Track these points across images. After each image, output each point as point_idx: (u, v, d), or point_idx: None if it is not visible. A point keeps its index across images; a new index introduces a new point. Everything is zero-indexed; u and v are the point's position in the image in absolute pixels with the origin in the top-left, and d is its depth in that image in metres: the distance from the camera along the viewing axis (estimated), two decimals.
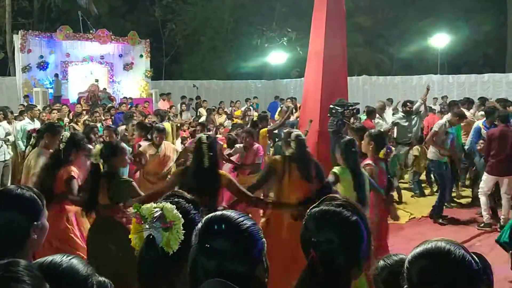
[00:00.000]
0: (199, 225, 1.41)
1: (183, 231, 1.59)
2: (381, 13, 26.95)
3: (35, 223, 1.87)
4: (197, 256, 1.33)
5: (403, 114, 9.23)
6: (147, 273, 1.57)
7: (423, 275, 1.47)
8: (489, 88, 19.17)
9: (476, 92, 17.99)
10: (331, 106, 8.05)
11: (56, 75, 17.83)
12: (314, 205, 1.65)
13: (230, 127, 10.66)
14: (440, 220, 7.71)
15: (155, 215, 1.63)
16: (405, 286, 1.51)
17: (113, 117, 11.76)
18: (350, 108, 8.01)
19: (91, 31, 19.53)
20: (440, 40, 23.75)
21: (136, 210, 1.67)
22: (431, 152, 8.06)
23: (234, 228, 1.35)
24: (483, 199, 7.41)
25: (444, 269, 1.44)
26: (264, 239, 1.39)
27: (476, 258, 1.48)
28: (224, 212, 1.42)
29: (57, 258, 1.52)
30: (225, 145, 8.56)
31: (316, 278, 1.49)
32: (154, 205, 1.67)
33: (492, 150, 7.23)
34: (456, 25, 25.15)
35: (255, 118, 8.41)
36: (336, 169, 4.70)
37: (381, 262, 2.13)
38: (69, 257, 1.54)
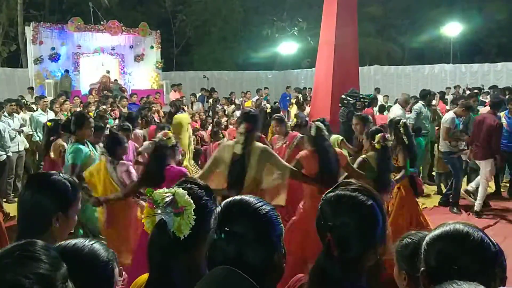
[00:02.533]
0: (218, 208, 1.42)
1: (195, 217, 1.61)
2: (392, 2, 26.68)
3: (60, 212, 1.90)
4: (216, 240, 1.35)
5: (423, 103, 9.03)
6: (157, 257, 1.59)
7: (441, 257, 1.48)
8: (503, 77, 18.96)
9: (489, 82, 17.80)
10: (343, 96, 8.02)
11: (67, 71, 17.87)
12: (330, 189, 1.66)
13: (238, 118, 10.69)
14: (455, 210, 7.69)
15: (167, 200, 1.64)
16: (422, 268, 1.52)
17: (125, 107, 11.82)
18: (362, 99, 7.97)
19: (102, 23, 19.58)
20: (453, 29, 23.49)
21: (148, 194, 1.69)
22: (442, 145, 7.98)
23: (253, 212, 1.36)
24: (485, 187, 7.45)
25: (463, 251, 1.45)
26: (282, 225, 1.40)
27: (494, 241, 1.49)
28: (243, 197, 1.43)
29: (80, 242, 1.56)
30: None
31: (332, 262, 1.51)
32: (166, 190, 1.69)
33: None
34: (469, 14, 24.85)
35: (268, 110, 8.37)
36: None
37: (406, 240, 2.13)
38: (91, 242, 1.58)
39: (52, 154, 6.48)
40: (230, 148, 4.22)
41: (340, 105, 8.07)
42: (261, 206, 1.38)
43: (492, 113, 7.40)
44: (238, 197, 1.43)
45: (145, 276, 1.83)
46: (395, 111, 8.70)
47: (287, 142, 6.40)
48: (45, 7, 25.66)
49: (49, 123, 6.80)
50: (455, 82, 18.58)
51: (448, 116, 7.92)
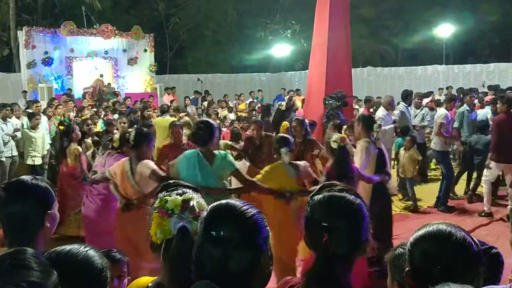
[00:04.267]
0: (204, 213, 1.43)
1: None
2: (385, 4, 26.79)
3: (49, 212, 1.92)
4: (203, 244, 1.35)
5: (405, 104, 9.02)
6: (184, 265, 1.53)
7: (424, 257, 1.50)
8: (495, 77, 19.08)
9: (481, 82, 17.91)
10: (325, 97, 8.18)
11: (69, 90, 17.67)
12: (314, 192, 1.70)
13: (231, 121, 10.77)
14: (442, 208, 7.73)
15: (183, 207, 1.65)
16: (407, 269, 1.54)
17: (116, 112, 11.80)
18: (341, 100, 8.09)
19: (95, 26, 19.55)
20: (445, 30, 23.65)
21: (160, 204, 1.69)
22: (436, 143, 8.02)
23: (238, 216, 1.37)
24: (486, 188, 7.41)
25: (445, 251, 1.48)
26: (268, 228, 1.41)
27: (476, 240, 1.51)
28: (229, 200, 1.45)
29: (75, 248, 1.55)
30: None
31: (331, 261, 1.57)
32: (179, 197, 1.70)
33: (498, 138, 7.13)
34: (461, 15, 24.99)
35: (283, 108, 8.51)
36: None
37: (399, 249, 2.16)
38: (86, 248, 1.58)
39: (68, 160, 6.51)
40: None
41: (324, 106, 8.24)
42: (247, 209, 1.39)
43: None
44: (224, 201, 1.44)
45: (145, 280, 1.84)
46: (378, 113, 8.65)
47: None
48: (38, 11, 25.58)
49: (61, 127, 6.80)
50: (447, 83, 18.71)
51: (441, 112, 7.96)
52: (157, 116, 9.84)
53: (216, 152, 4.40)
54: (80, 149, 6.45)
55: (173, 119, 9.21)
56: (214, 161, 4.31)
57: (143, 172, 4.37)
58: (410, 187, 8.03)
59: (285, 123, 7.56)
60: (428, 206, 8.07)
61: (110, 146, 5.58)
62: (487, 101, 9.27)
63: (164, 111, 9.92)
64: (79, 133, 6.79)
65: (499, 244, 4.95)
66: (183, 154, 4.49)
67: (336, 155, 4.53)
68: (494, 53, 26.47)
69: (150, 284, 1.78)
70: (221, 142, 6.24)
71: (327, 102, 8.11)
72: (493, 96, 10.15)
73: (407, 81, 20.68)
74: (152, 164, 4.45)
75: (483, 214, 7.32)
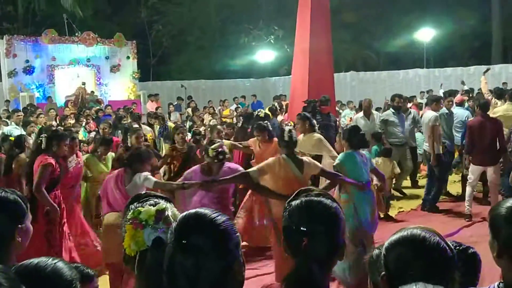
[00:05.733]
0: (174, 223, 1.42)
1: None
2: (366, 9, 27.04)
3: (20, 226, 1.87)
4: (174, 254, 1.34)
5: (393, 111, 8.83)
6: (161, 277, 1.50)
7: (398, 262, 1.52)
8: (475, 80, 19.33)
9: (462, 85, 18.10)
10: (303, 101, 8.32)
11: (49, 97, 17.51)
12: (291, 197, 1.73)
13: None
14: (427, 208, 7.79)
15: (157, 217, 1.64)
16: (383, 273, 1.56)
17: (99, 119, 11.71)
18: (311, 105, 8.21)
19: (76, 34, 19.41)
20: (426, 35, 23.95)
21: (134, 215, 1.67)
22: (430, 146, 7.81)
23: (208, 224, 1.36)
24: (468, 190, 7.49)
25: (419, 256, 1.49)
26: (239, 234, 1.41)
27: (451, 245, 1.53)
28: (198, 209, 1.44)
29: (42, 261, 1.53)
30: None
31: (311, 266, 1.58)
32: (153, 208, 1.68)
33: (474, 141, 7.25)
34: (441, 19, 25.34)
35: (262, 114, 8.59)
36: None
37: (376, 251, 2.18)
38: (55, 261, 1.55)
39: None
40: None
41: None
42: (216, 216, 1.39)
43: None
44: (193, 210, 1.43)
45: None
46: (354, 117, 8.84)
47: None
48: (18, 19, 25.32)
49: (11, 138, 6.56)
50: (429, 86, 18.89)
51: (430, 114, 7.87)
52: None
53: None
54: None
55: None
56: None
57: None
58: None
59: None
60: (412, 209, 8.14)
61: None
62: (456, 102, 9.28)
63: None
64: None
65: (485, 246, 5.01)
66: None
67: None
68: (475, 56, 26.87)
69: None
70: (225, 142, 6.28)
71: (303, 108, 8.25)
72: (465, 98, 10.27)
73: (390, 85, 20.86)
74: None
75: (467, 218, 7.38)
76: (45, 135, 5.22)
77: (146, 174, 4.67)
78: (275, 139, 6.14)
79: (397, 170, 7.88)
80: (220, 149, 4.97)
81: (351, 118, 10.76)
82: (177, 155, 6.48)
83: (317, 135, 6.70)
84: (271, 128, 6.72)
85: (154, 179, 4.72)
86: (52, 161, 5.03)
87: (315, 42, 9.02)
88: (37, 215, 4.71)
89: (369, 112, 8.89)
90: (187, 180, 4.89)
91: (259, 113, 8.51)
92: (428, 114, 7.98)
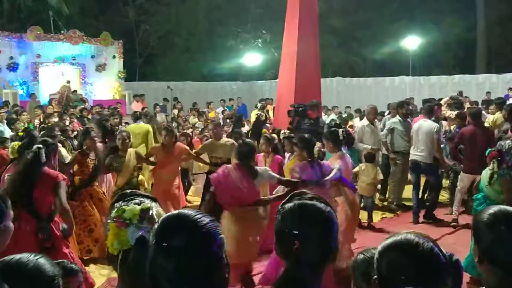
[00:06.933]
0: (156, 225, 1.39)
1: None
2: (354, 15, 27.27)
3: None
4: (155, 256, 1.31)
5: (400, 119, 8.44)
6: (144, 276, 1.48)
7: (391, 267, 1.50)
8: (459, 89, 19.56)
9: (446, 93, 18.28)
10: (290, 105, 8.34)
11: (33, 94, 17.11)
12: (285, 200, 1.72)
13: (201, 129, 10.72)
14: (421, 217, 7.76)
15: (141, 216, 1.62)
16: (375, 277, 1.54)
17: (84, 119, 11.58)
18: (298, 109, 8.24)
19: (62, 32, 19.22)
20: (412, 42, 24.22)
21: (118, 214, 1.65)
22: (425, 156, 7.72)
23: (191, 225, 1.33)
24: (458, 196, 7.55)
25: (412, 261, 1.48)
26: (223, 235, 1.38)
27: (444, 252, 1.51)
28: (181, 210, 1.42)
29: (24, 256, 1.50)
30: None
31: (301, 269, 1.58)
32: (137, 207, 1.66)
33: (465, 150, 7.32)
34: (427, 28, 25.67)
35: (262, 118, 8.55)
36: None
37: (360, 256, 2.18)
38: (36, 257, 1.52)
39: None
40: None
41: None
42: (200, 218, 1.36)
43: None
44: (176, 212, 1.41)
45: None
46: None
47: None
48: (3, 15, 24.97)
49: (20, 133, 6.50)
50: (413, 93, 19.06)
51: (431, 124, 7.73)
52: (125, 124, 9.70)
53: None
54: None
55: (148, 125, 9.09)
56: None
57: None
58: (368, 206, 7.72)
59: (265, 130, 7.73)
60: (395, 215, 8.16)
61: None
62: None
63: (137, 117, 9.75)
64: None
65: (465, 254, 5.03)
66: None
67: None
68: (459, 65, 27.24)
69: None
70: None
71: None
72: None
73: (376, 92, 21.01)
74: None
75: (453, 223, 7.42)
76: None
77: (268, 169, 4.93)
78: None
79: (380, 176, 7.78)
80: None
81: (349, 124, 10.60)
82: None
83: None
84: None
85: (276, 175, 4.95)
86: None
87: (303, 46, 9.02)
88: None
89: (373, 119, 8.56)
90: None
91: (260, 117, 8.53)
92: (429, 124, 7.76)
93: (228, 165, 4.88)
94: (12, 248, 1.91)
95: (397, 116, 8.51)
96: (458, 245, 5.97)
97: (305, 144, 5.16)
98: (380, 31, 27.20)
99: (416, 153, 7.79)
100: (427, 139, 7.61)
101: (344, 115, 13.29)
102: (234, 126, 9.36)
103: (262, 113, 8.90)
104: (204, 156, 7.26)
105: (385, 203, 8.73)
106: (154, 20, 27.30)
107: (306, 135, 5.41)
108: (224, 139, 7.17)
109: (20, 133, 6.45)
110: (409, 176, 8.45)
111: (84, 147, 6.24)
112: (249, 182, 4.56)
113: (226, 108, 17.07)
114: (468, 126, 7.58)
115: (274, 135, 7.45)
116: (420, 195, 8.09)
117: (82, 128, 8.77)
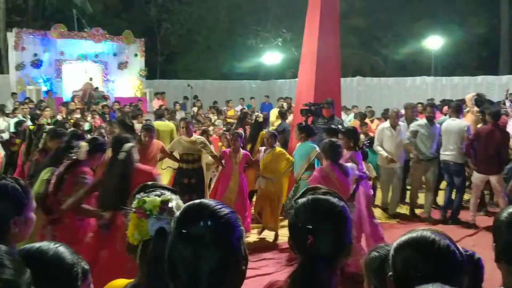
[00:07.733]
0: (177, 212, 1.42)
1: None
2: (375, 15, 27.04)
3: (17, 216, 1.85)
4: (175, 242, 1.34)
5: (426, 122, 8.01)
6: (162, 267, 1.47)
7: (407, 263, 1.51)
8: (482, 90, 19.23)
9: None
10: (304, 104, 8.32)
11: (50, 91, 17.47)
12: (299, 195, 1.73)
13: (222, 126, 10.73)
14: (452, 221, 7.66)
15: (162, 208, 1.65)
16: (390, 273, 1.55)
17: (107, 115, 11.75)
18: (311, 108, 8.18)
19: (85, 30, 19.49)
20: (434, 43, 23.89)
21: (138, 204, 1.68)
22: (456, 156, 7.53)
23: (210, 215, 1.35)
24: (472, 199, 7.48)
25: (428, 258, 1.48)
26: (242, 227, 1.40)
27: (461, 249, 1.51)
28: (203, 200, 1.43)
29: (45, 245, 1.54)
30: (220, 143, 8.68)
31: (316, 263, 1.59)
32: (158, 198, 1.69)
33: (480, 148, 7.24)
34: (450, 28, 25.30)
35: (261, 119, 8.44)
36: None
37: (374, 253, 2.18)
38: (57, 245, 1.56)
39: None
40: None
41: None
42: (220, 208, 1.37)
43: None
44: (197, 201, 1.43)
45: (120, 282, 1.81)
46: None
47: None
48: (28, 13, 25.45)
49: (31, 127, 6.67)
50: (435, 94, 18.82)
51: (463, 123, 7.59)
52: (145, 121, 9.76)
53: None
54: None
55: (172, 124, 9.08)
56: None
57: None
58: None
59: (263, 133, 7.76)
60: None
61: None
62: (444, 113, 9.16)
63: (161, 115, 9.72)
64: None
65: (488, 255, 4.96)
66: None
67: None
68: (482, 66, 26.78)
69: (127, 286, 1.76)
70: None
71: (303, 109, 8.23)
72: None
73: (396, 92, 20.82)
74: None
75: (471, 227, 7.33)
76: None
77: (354, 165, 5.42)
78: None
79: (373, 173, 7.65)
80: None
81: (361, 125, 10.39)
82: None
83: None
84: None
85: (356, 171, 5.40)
86: None
87: (323, 45, 8.97)
88: None
89: (396, 122, 8.04)
90: None
91: (258, 118, 8.46)
92: (458, 123, 7.59)
93: (323, 167, 5.30)
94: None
95: (424, 119, 8.14)
96: (478, 247, 5.91)
97: (351, 134, 5.99)
98: (402, 31, 26.92)
99: (446, 153, 7.61)
100: (458, 139, 7.45)
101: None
102: (237, 124, 9.29)
103: (259, 114, 8.81)
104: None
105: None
106: (175, 19, 27.49)
107: (351, 127, 6.55)
108: (195, 136, 7.13)
109: (31, 127, 6.60)
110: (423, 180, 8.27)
111: None
112: (345, 181, 5.03)
113: (245, 107, 17.10)
114: (486, 125, 7.48)
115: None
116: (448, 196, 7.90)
117: (103, 125, 8.90)
